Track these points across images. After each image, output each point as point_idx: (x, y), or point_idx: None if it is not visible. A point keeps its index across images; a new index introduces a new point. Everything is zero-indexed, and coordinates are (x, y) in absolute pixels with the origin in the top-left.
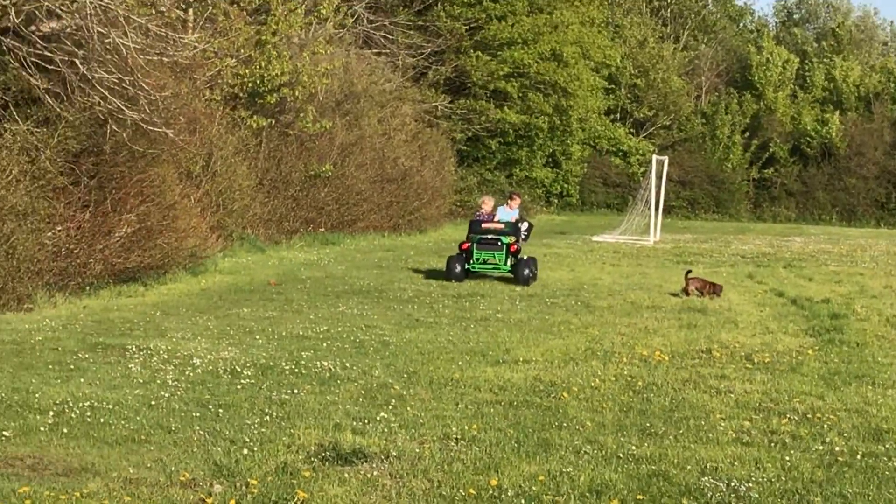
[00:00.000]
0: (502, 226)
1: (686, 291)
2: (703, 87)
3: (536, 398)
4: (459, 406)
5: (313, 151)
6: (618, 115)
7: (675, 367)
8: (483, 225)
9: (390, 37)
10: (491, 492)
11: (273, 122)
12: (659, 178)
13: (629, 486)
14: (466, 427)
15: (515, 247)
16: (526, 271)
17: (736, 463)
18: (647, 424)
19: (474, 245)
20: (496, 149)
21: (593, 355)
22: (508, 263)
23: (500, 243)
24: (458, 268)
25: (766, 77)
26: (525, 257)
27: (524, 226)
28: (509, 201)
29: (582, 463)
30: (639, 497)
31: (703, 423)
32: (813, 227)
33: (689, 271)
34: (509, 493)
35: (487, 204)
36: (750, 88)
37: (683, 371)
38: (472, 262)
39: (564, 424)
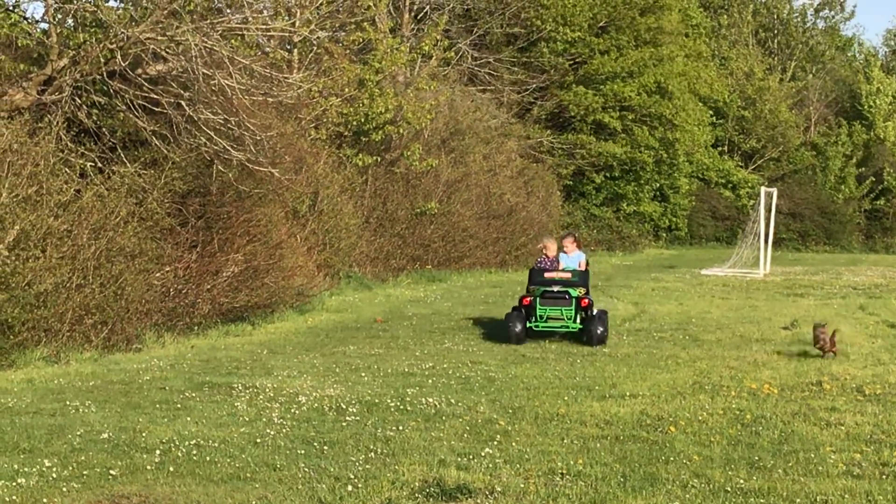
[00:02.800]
0: (569, 274)
1: (823, 348)
2: (812, 117)
3: (643, 432)
4: (565, 441)
5: (419, 189)
6: (725, 148)
7: (785, 399)
8: (546, 274)
9: (495, 73)
10: None
11: (378, 159)
12: (768, 210)
13: None
14: (572, 462)
15: (587, 301)
16: (600, 329)
17: (846, 496)
18: (756, 458)
19: (537, 299)
20: (601, 183)
21: (701, 389)
22: (578, 320)
23: (567, 297)
24: (519, 327)
25: (877, 106)
26: (597, 311)
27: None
28: (564, 243)
29: (689, 497)
30: None
31: (812, 455)
32: None
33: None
34: None
35: (550, 248)
36: (859, 118)
37: (793, 404)
38: (534, 319)
39: (671, 459)
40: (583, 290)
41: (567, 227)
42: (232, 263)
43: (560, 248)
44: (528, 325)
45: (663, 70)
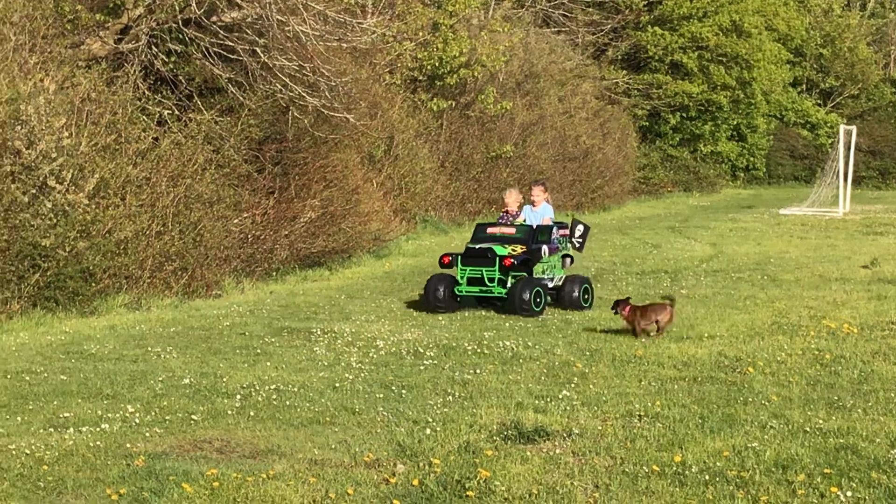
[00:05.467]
0: (513, 230)
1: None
2: (892, 54)
3: (721, 373)
4: (642, 383)
5: (494, 132)
6: (804, 87)
7: (864, 339)
8: (489, 229)
9: (569, 14)
10: (675, 468)
11: (453, 103)
12: (847, 148)
13: (816, 460)
14: (649, 404)
15: (511, 261)
16: (525, 294)
17: None
18: (835, 398)
19: (458, 259)
20: (678, 124)
21: (779, 329)
22: (508, 284)
23: (490, 255)
24: (441, 291)
25: None
26: (545, 277)
27: (578, 230)
28: (534, 191)
29: (768, 438)
30: (826, 471)
31: (892, 395)
32: None
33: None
34: (693, 470)
35: (511, 199)
36: None
37: (873, 343)
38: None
39: (750, 399)
40: (518, 249)
41: (643, 169)
42: (309, 209)
43: (529, 199)
44: (455, 290)
45: (739, 8)
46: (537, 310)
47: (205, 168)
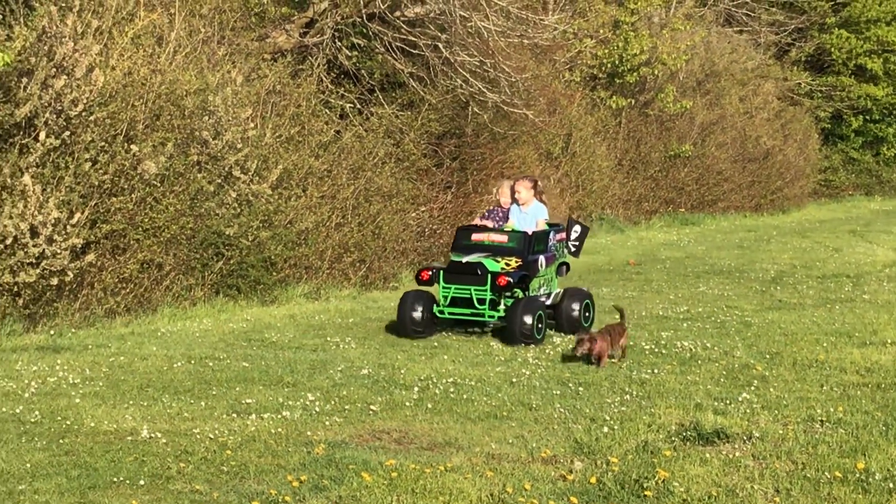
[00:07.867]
0: (504, 237)
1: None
2: None
3: None
4: (824, 388)
5: (673, 131)
6: None
7: None
8: (475, 235)
9: (752, 14)
10: (858, 475)
11: (632, 102)
12: None
13: None
14: (832, 409)
15: (506, 280)
16: (528, 318)
17: None
18: None
19: (441, 274)
20: (860, 126)
21: None
22: (500, 307)
23: (480, 271)
24: (419, 312)
25: None
26: (541, 294)
27: (575, 231)
28: (517, 187)
29: None
30: None
31: None
32: None
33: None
34: (877, 477)
35: (503, 192)
36: None
37: None
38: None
39: None
40: (512, 262)
41: (824, 171)
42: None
43: (512, 197)
44: (435, 310)
45: None
46: (539, 337)
47: (385, 161)
